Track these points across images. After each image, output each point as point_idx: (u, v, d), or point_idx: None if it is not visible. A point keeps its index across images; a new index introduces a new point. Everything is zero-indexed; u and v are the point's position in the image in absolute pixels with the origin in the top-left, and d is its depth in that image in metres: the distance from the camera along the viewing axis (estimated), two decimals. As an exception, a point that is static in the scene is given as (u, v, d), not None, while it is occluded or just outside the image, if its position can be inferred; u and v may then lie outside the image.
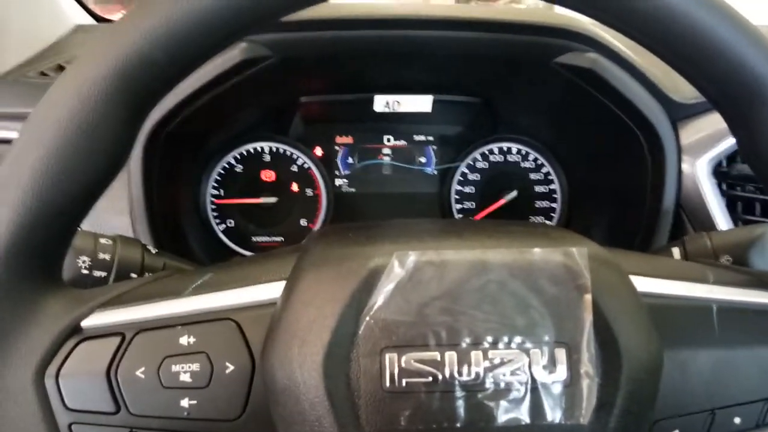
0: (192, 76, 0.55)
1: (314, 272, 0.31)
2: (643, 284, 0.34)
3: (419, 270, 0.30)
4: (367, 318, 0.29)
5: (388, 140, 0.80)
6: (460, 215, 0.81)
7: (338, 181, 0.80)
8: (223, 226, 0.76)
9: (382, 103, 0.70)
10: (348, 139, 0.80)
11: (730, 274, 0.39)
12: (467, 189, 0.82)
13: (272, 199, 0.77)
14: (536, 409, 0.29)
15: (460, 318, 0.30)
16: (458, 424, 0.29)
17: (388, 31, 0.57)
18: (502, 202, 0.81)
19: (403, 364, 0.29)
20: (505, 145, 0.82)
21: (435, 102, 0.71)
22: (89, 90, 0.29)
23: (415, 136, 0.81)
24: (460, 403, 0.29)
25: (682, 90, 0.63)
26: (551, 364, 0.29)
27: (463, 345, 0.29)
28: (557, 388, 0.29)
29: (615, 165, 0.68)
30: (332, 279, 0.30)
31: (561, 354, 0.29)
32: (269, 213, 0.77)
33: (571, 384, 0.29)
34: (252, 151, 0.77)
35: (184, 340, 0.30)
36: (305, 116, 0.74)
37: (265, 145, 0.77)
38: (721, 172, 0.63)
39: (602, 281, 0.31)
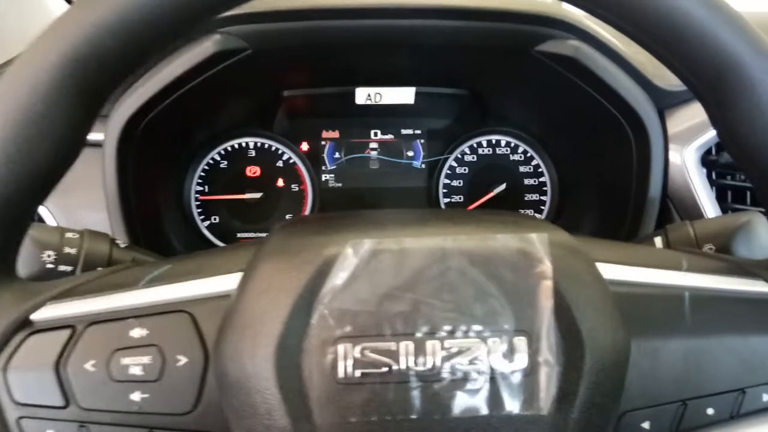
0: (165, 68, 0.55)
1: (270, 263, 0.31)
2: (611, 272, 0.33)
3: (375, 258, 0.29)
4: (321, 308, 0.28)
5: (375, 134, 0.80)
6: (449, 209, 0.80)
7: (324, 176, 0.79)
8: (208, 222, 0.76)
9: (363, 95, 0.69)
10: (334, 134, 0.79)
11: (708, 261, 0.37)
12: (456, 182, 0.81)
13: (257, 195, 0.76)
14: (494, 399, 0.28)
15: (417, 307, 0.29)
16: (413, 416, 0.28)
17: (367, 20, 0.57)
18: (490, 195, 0.80)
19: (357, 355, 0.28)
20: (494, 138, 0.81)
21: (420, 94, 0.70)
22: (38, 78, 0.28)
23: (402, 130, 0.80)
24: (416, 394, 0.28)
25: (669, 77, 0.61)
26: (510, 353, 0.28)
27: (420, 334, 0.28)
28: (516, 378, 0.28)
29: (602, 156, 0.67)
30: (287, 269, 0.30)
31: (520, 343, 0.28)
32: (255, 209, 0.76)
33: (531, 373, 0.28)
34: (237, 146, 0.76)
35: (135, 333, 0.30)
36: (289, 111, 0.73)
37: (250, 141, 0.76)
38: (710, 161, 0.62)
39: (565, 268, 0.30)
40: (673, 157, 0.61)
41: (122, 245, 0.44)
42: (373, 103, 0.70)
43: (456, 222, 0.35)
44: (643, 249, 0.39)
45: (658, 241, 0.49)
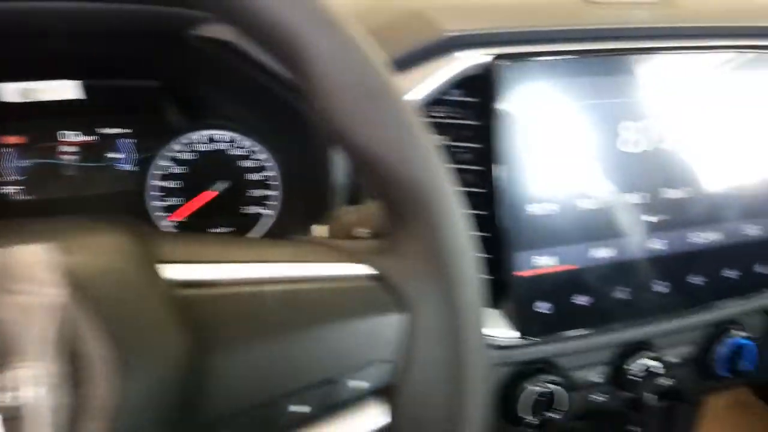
0: None
1: None
2: (185, 273, 0.30)
3: None
4: None
5: (66, 136, 0.70)
6: (166, 213, 0.74)
7: (7, 189, 0.68)
8: None
9: (15, 91, 0.59)
10: (19, 139, 0.68)
11: (314, 249, 0.36)
12: (173, 184, 0.74)
13: None
14: None
15: None
16: None
17: None
18: (211, 195, 0.75)
19: None
20: (213, 133, 0.75)
21: (95, 88, 0.62)
22: None
23: (102, 129, 0.71)
24: None
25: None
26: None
27: None
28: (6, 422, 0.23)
29: (299, 146, 0.66)
30: None
31: (15, 377, 0.23)
32: None
33: (20, 416, 0.23)
34: None
35: None
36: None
37: None
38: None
39: (97, 276, 0.26)
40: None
41: None
42: (32, 99, 0.60)
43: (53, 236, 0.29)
44: (241, 243, 0.36)
45: (320, 230, 0.48)
